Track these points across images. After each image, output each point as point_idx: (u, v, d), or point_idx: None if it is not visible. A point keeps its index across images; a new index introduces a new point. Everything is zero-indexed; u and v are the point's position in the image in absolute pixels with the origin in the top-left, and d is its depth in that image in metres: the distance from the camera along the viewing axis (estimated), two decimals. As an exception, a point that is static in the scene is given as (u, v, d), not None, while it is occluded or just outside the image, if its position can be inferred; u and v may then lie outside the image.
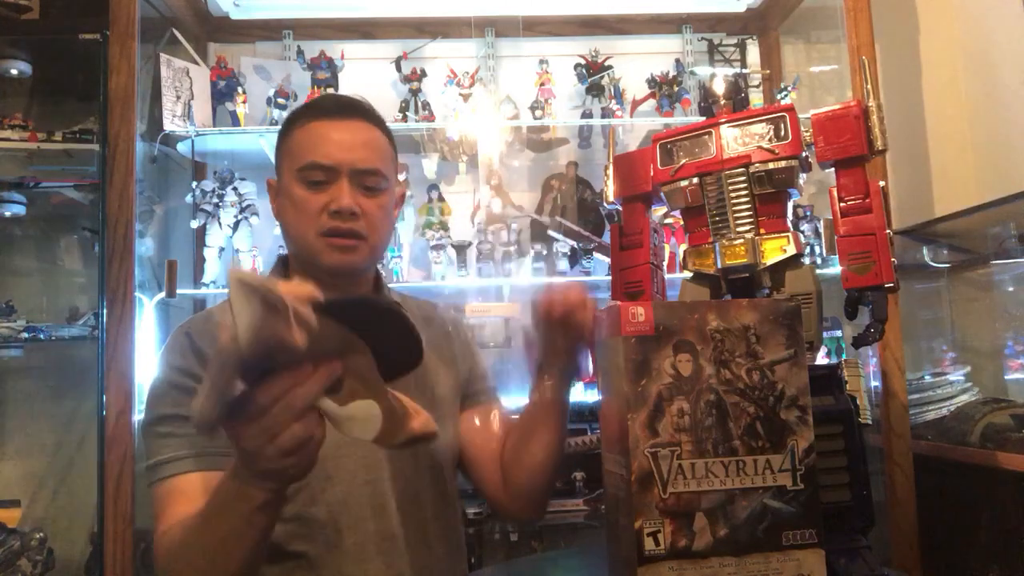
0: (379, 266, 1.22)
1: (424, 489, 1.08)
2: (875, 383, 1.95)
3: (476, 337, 1.51)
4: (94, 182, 2.08)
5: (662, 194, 1.09)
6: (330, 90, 2.29)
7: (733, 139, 1.04)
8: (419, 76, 2.32)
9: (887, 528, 1.86)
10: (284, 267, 1.14)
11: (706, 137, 1.05)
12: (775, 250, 1.01)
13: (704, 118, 1.11)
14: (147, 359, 1.89)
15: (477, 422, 1.18)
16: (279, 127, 1.13)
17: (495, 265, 2.24)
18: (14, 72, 2.22)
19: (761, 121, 1.04)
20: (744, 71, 2.46)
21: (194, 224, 2.16)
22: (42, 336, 2.09)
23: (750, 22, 2.59)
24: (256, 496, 0.70)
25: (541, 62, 2.35)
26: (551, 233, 2.25)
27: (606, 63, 2.36)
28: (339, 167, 1.04)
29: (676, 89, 2.37)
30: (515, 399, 1.67)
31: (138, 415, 1.81)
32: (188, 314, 2.26)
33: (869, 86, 1.03)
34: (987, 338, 2.13)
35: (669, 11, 2.55)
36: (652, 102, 2.39)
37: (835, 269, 1.86)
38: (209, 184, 2.17)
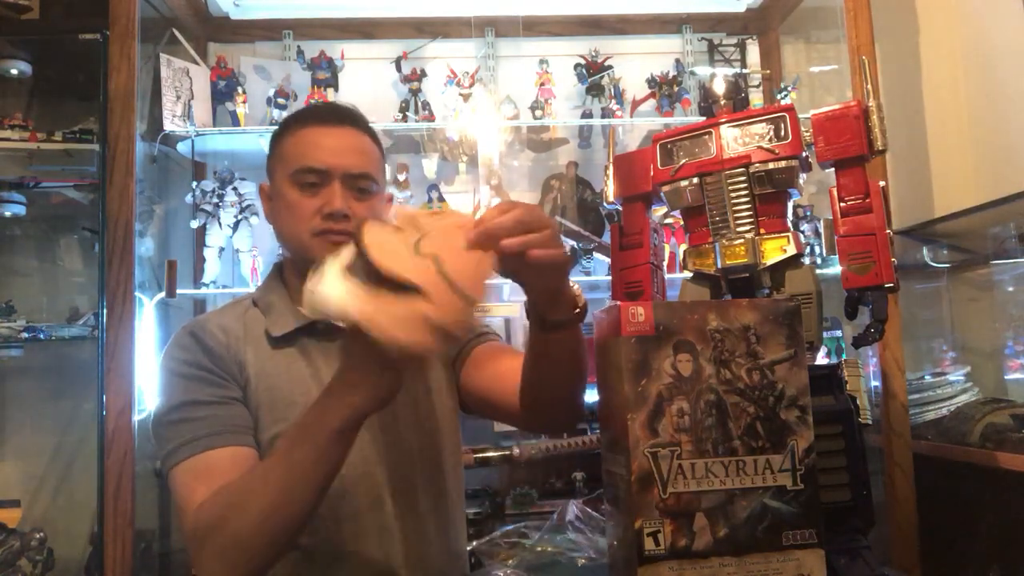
0: None
1: (419, 484, 1.10)
2: (875, 383, 1.95)
3: None
4: (94, 182, 2.08)
5: (662, 194, 1.09)
6: (330, 90, 2.30)
7: (733, 139, 1.04)
8: (419, 76, 2.32)
9: (887, 528, 1.86)
10: (280, 273, 1.17)
11: (706, 137, 1.05)
12: (775, 250, 1.01)
13: (704, 118, 1.10)
14: (147, 359, 1.89)
15: (479, 363, 1.17)
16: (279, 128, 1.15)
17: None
18: (14, 72, 2.22)
19: (761, 121, 1.04)
20: (744, 71, 2.46)
21: (194, 224, 2.16)
22: (42, 336, 2.09)
23: (750, 22, 2.59)
24: (338, 419, 0.82)
25: (541, 62, 2.35)
26: (551, 233, 2.25)
27: (606, 63, 2.36)
28: (332, 171, 1.07)
29: (676, 89, 2.37)
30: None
31: (138, 415, 1.81)
32: (188, 314, 2.26)
33: (869, 86, 1.03)
34: (987, 338, 2.13)
35: (669, 11, 2.55)
36: (652, 102, 2.39)
37: (835, 269, 1.86)
38: (209, 184, 2.17)
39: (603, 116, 2.32)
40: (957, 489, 1.80)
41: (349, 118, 1.13)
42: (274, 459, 0.88)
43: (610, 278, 1.16)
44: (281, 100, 2.22)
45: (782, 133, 1.02)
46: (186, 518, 0.92)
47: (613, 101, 2.31)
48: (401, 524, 1.06)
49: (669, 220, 1.80)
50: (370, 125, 1.16)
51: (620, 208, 1.16)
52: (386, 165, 1.20)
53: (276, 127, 1.18)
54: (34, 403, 2.29)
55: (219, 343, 1.05)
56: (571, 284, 0.95)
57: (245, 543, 0.86)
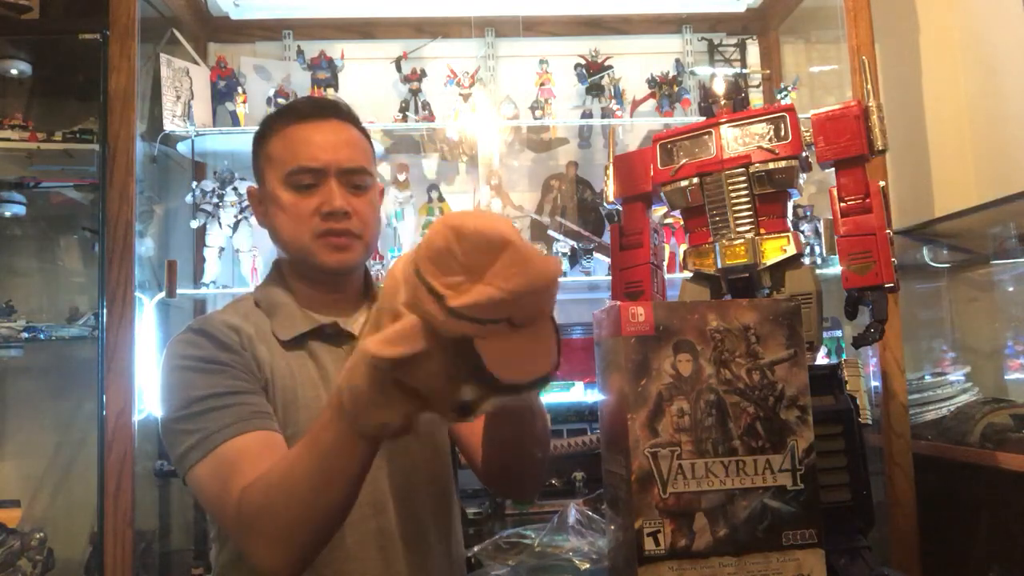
0: (369, 263, 1.20)
1: (421, 488, 1.09)
2: (875, 383, 1.95)
3: None
4: (94, 182, 2.07)
5: (662, 194, 1.09)
6: (330, 90, 2.29)
7: (733, 139, 1.04)
8: (419, 76, 2.32)
9: (887, 528, 1.86)
10: (280, 272, 1.14)
11: (706, 137, 1.06)
12: (775, 250, 1.02)
13: (704, 118, 1.11)
14: (147, 359, 1.89)
15: None
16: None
17: (495, 265, 2.24)
18: (14, 72, 2.22)
19: (761, 121, 1.04)
20: (744, 71, 2.46)
21: (194, 224, 2.16)
22: (42, 336, 2.09)
23: (750, 22, 2.59)
24: (357, 447, 0.73)
25: (541, 62, 2.35)
26: (551, 233, 2.25)
27: (606, 63, 2.36)
28: (327, 168, 1.04)
29: (676, 89, 2.37)
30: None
31: (138, 415, 1.81)
32: (188, 314, 2.26)
33: (869, 86, 1.03)
34: (987, 338, 2.13)
35: (669, 11, 2.55)
36: (652, 102, 2.39)
37: (835, 269, 1.86)
38: (209, 184, 2.17)
39: (603, 116, 2.32)
40: (957, 489, 1.80)
41: (334, 111, 1.10)
42: (307, 443, 0.80)
43: (610, 278, 1.16)
44: (281, 100, 2.21)
45: (782, 133, 1.02)
46: (228, 504, 0.86)
47: (613, 101, 2.31)
48: (404, 530, 1.05)
49: (669, 220, 1.80)
50: (355, 115, 1.13)
51: (620, 208, 1.16)
52: (387, 164, 1.19)
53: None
54: (34, 403, 2.29)
55: (233, 340, 1.02)
56: None
57: (294, 526, 0.81)
